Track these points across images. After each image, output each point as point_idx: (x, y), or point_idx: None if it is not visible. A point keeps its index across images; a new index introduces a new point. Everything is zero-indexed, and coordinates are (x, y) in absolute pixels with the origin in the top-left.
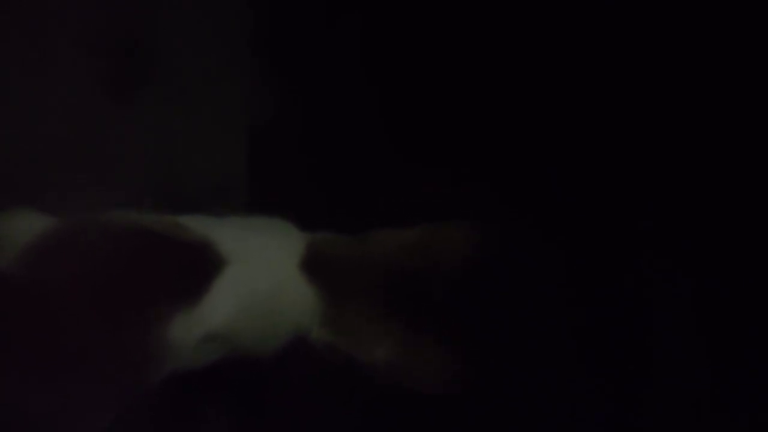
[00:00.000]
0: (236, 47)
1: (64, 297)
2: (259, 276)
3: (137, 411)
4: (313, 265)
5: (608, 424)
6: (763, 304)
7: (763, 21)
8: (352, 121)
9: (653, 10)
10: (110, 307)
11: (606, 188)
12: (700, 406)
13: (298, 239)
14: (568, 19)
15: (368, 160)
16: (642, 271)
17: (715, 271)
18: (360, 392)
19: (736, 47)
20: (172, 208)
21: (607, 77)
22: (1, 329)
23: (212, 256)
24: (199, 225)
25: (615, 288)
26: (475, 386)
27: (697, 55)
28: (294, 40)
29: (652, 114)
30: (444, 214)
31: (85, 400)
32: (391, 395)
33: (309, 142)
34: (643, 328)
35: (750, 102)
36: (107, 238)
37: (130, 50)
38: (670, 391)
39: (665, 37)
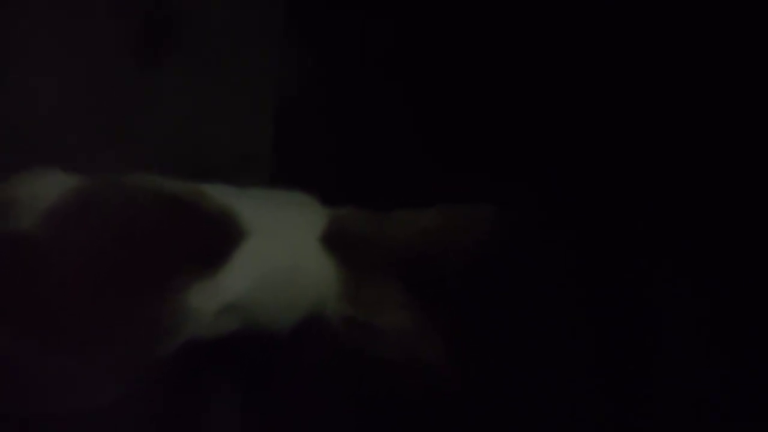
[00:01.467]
0: (267, 16)
1: (85, 259)
2: (280, 249)
3: (151, 381)
4: (334, 240)
5: (609, 423)
6: (764, 304)
7: (764, 21)
8: (379, 98)
9: (662, 7)
10: (130, 271)
11: (611, 186)
12: (702, 406)
13: (320, 213)
14: (584, 16)
15: (392, 137)
16: (644, 269)
17: (717, 270)
18: (369, 376)
19: (736, 47)
20: (196, 176)
21: (614, 78)
22: (22, 290)
23: (234, 227)
24: (222, 194)
25: (620, 281)
26: (478, 381)
27: (702, 56)
28: (325, 13)
29: (655, 115)
30: (462, 195)
31: (103, 365)
32: (398, 383)
33: (335, 117)
34: (645, 327)
35: (753, 102)
36: (130, 202)
37: (159, 17)
38: (672, 390)
39: (673, 37)
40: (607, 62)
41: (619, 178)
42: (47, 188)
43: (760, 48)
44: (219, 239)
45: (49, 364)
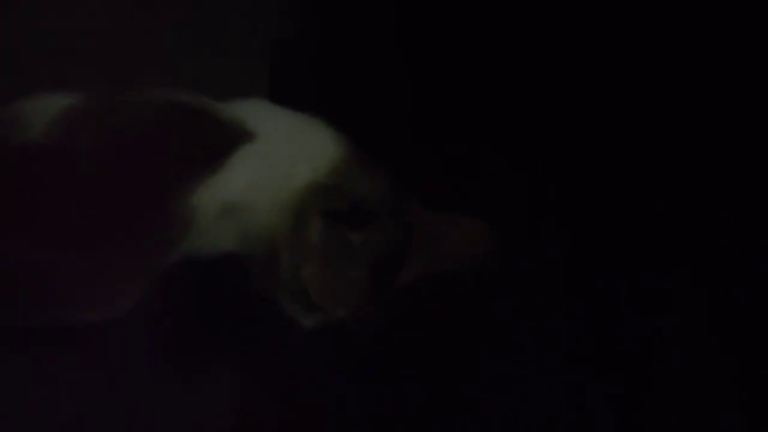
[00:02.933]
0: None
1: (91, 165)
2: (282, 154)
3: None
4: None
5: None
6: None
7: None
8: (375, 43)
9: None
10: (136, 173)
11: (613, 189)
12: (707, 407)
13: (330, 149)
14: (581, 18)
15: (386, 82)
16: (648, 273)
17: (721, 276)
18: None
19: (756, 40)
20: None
21: (611, 74)
22: (30, 198)
23: (240, 130)
24: (232, 107)
25: (620, 293)
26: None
27: (701, 53)
28: None
29: (660, 114)
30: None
31: (114, 273)
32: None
33: (331, 59)
34: (646, 333)
35: (753, 99)
36: (136, 109)
37: None
38: (675, 392)
39: (674, 34)
40: (605, 62)
41: (615, 180)
42: (52, 104)
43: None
44: (224, 140)
45: (59, 273)
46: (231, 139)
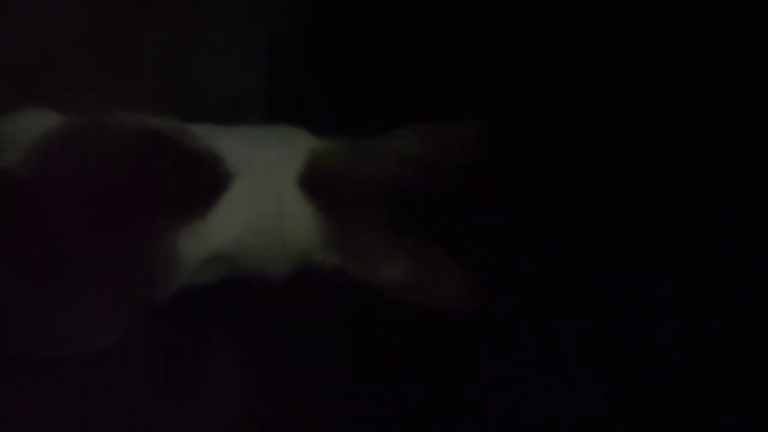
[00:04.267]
0: None
1: (70, 199)
2: (265, 193)
3: (147, 328)
4: (310, 182)
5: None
6: None
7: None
8: (373, 34)
9: None
10: (116, 212)
11: (613, 189)
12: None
13: (301, 151)
14: None
15: (387, 71)
16: (649, 272)
17: (724, 272)
18: (366, 320)
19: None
20: (188, 116)
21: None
22: (7, 230)
23: (220, 169)
24: (206, 133)
25: (620, 292)
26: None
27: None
28: None
29: (660, 114)
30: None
31: (91, 312)
32: (396, 326)
33: (329, 55)
34: (649, 331)
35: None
36: (115, 140)
37: None
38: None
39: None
40: (606, 63)
41: (616, 180)
42: (31, 125)
43: None
44: (206, 182)
45: (37, 306)
46: (212, 181)
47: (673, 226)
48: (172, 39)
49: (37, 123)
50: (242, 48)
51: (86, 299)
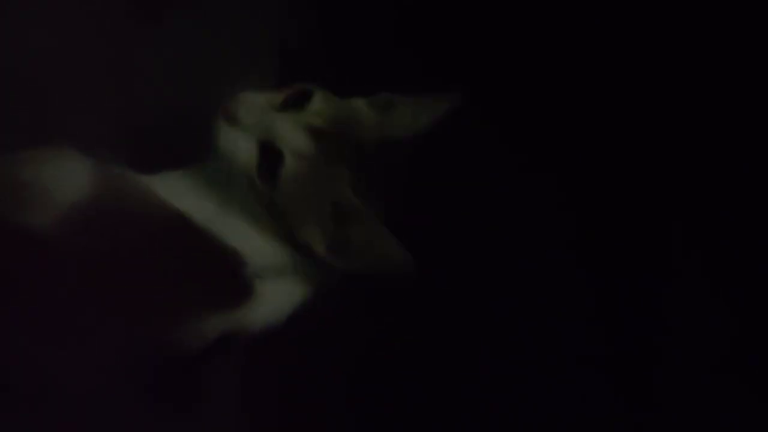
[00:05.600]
0: None
1: (95, 269)
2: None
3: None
4: None
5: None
6: None
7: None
8: (380, 45)
9: None
10: (138, 292)
11: (614, 189)
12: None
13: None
14: None
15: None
16: (649, 273)
17: (726, 273)
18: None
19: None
20: (197, 130)
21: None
22: (24, 287)
23: (244, 270)
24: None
25: (621, 293)
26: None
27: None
28: None
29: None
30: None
31: (98, 364)
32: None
33: (337, 71)
34: (652, 331)
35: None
36: (143, 216)
37: None
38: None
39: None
40: (607, 64)
41: (616, 180)
42: (62, 180)
43: None
44: (233, 281)
45: (42, 358)
46: (238, 280)
47: (674, 226)
48: (177, 53)
49: (70, 181)
50: (250, 65)
51: (92, 357)
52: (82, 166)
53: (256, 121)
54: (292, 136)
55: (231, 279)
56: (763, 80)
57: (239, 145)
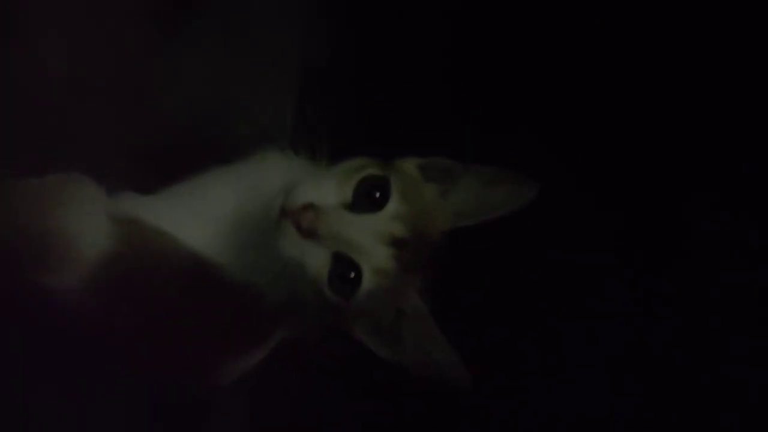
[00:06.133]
0: None
1: (118, 331)
2: None
3: None
4: None
5: None
6: None
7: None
8: (405, 71)
9: None
10: (164, 349)
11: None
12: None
13: None
14: None
15: (421, 110)
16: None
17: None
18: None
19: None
20: (217, 150)
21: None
22: (47, 343)
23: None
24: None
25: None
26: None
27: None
28: None
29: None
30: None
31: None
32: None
33: (360, 89)
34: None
35: None
36: (170, 277)
37: None
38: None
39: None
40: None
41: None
42: (83, 230)
43: None
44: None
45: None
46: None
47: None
48: (200, 70)
49: (90, 231)
50: (273, 82)
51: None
52: (100, 208)
53: (336, 234)
54: (374, 250)
55: (251, 319)
56: (762, 80)
57: (310, 253)
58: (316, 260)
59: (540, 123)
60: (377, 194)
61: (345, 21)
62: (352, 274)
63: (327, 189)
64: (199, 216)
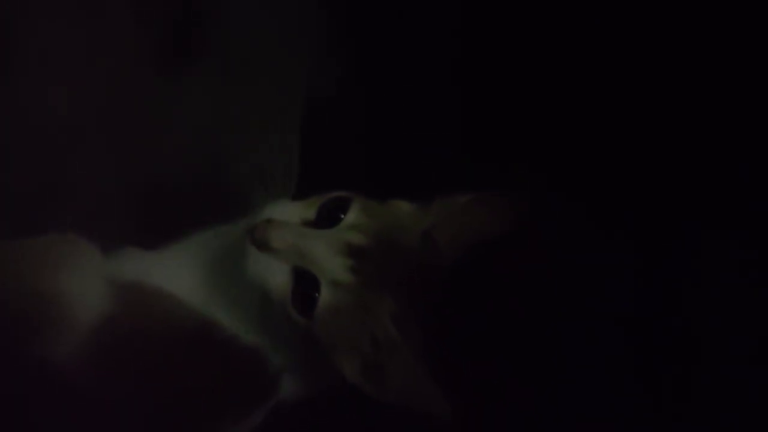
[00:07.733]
0: (295, 23)
1: (115, 399)
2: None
3: None
4: None
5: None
6: None
7: None
8: (409, 109)
9: None
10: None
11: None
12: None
13: None
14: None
15: (421, 146)
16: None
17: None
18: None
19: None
20: (217, 190)
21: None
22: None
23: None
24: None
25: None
26: None
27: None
28: (355, 20)
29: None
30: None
31: None
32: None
33: (364, 127)
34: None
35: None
36: (172, 340)
37: (182, 21)
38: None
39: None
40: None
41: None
42: (81, 296)
43: None
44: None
45: None
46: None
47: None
48: (201, 109)
49: (89, 297)
50: (275, 120)
51: None
52: (96, 270)
53: (289, 246)
54: (329, 261)
55: (255, 379)
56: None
57: (270, 270)
58: (278, 277)
59: (540, 123)
60: (341, 215)
61: (346, 59)
62: (316, 294)
63: (293, 211)
64: (197, 270)
